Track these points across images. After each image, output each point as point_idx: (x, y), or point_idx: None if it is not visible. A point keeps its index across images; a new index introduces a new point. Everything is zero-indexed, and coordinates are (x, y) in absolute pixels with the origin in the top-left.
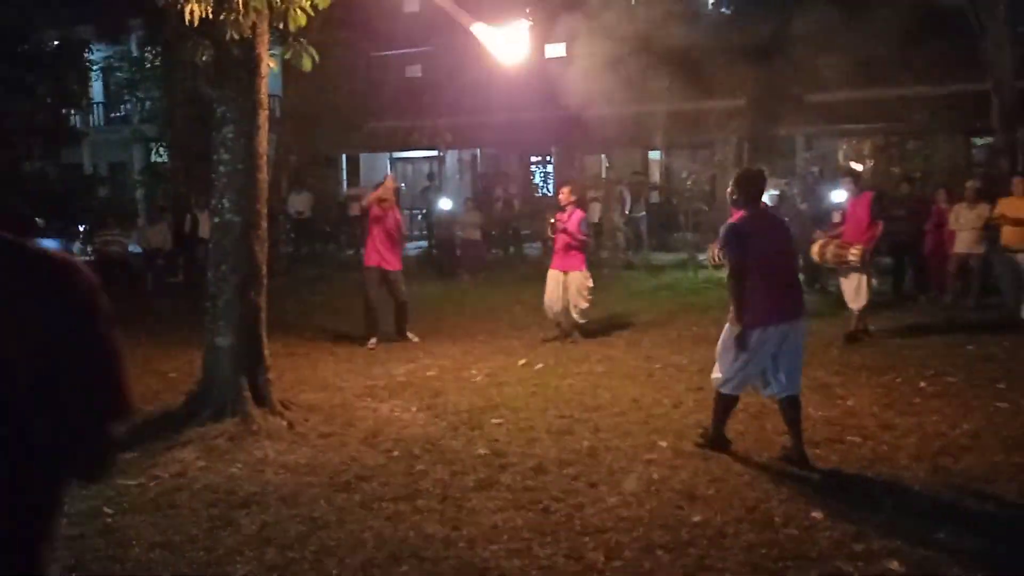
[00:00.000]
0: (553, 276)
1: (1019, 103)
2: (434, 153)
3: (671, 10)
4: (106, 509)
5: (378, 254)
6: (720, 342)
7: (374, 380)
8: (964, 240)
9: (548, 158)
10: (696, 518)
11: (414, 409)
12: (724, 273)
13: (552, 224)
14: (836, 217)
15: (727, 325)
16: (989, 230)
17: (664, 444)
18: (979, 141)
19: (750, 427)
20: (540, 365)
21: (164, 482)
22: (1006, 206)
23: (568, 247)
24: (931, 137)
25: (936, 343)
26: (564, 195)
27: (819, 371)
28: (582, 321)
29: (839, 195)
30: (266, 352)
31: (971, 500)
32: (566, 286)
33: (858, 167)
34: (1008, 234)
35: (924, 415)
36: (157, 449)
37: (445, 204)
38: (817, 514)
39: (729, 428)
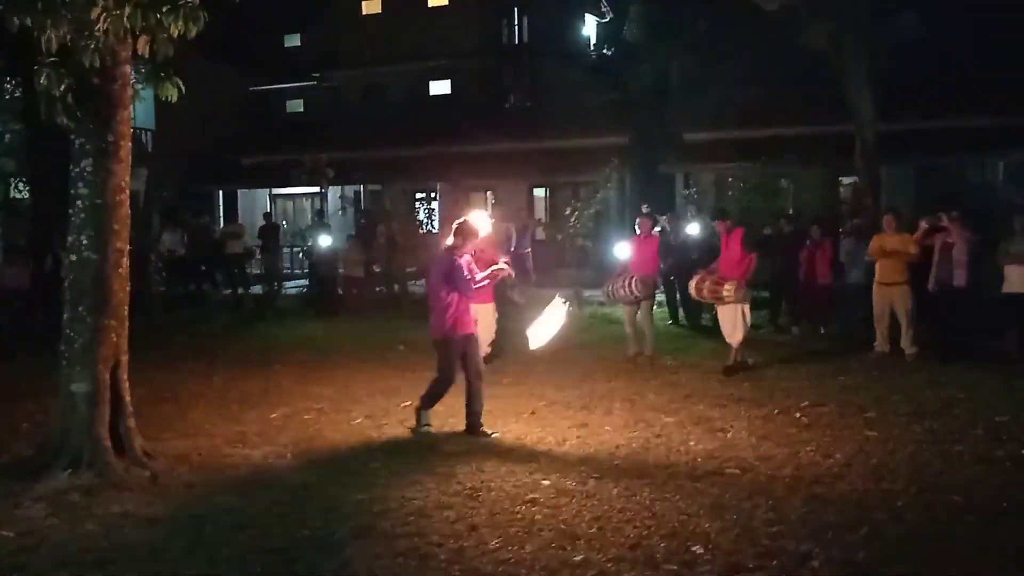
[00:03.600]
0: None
1: (880, 144)
2: (315, 189)
3: (556, 52)
4: None
5: None
6: None
7: (247, 425)
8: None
9: (433, 194)
10: (578, 558)
11: (289, 455)
12: (616, 309)
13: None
14: (695, 254)
15: None
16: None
17: (547, 483)
18: (846, 180)
19: (632, 463)
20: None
21: (9, 542)
22: (879, 240)
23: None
24: (801, 175)
25: (811, 374)
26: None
27: (700, 404)
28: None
29: (693, 229)
30: (128, 398)
31: (845, 529)
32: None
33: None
34: (882, 268)
35: (799, 445)
36: (3, 506)
37: (326, 241)
38: (698, 548)
39: (609, 464)
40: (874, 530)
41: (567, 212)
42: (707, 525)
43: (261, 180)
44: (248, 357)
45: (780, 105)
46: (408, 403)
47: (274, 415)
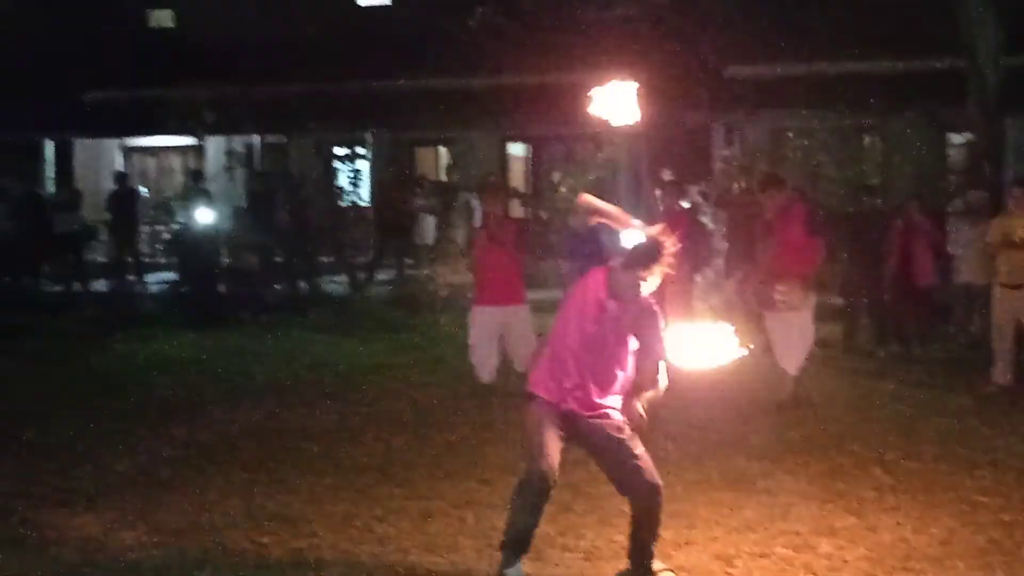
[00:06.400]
0: (486, 315)
1: (1005, 88)
2: (190, 141)
3: None
4: None
5: None
6: None
7: (79, 481)
8: (967, 268)
9: (360, 150)
10: None
11: (141, 525)
12: None
13: None
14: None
15: None
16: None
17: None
18: (957, 138)
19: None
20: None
21: None
22: (1004, 225)
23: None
24: (893, 130)
25: (900, 415)
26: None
27: (738, 456)
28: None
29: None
30: None
31: None
32: (507, 328)
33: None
34: (1007, 265)
35: (879, 515)
36: None
37: (205, 217)
38: None
39: (605, 540)
40: None
41: (556, 178)
42: None
43: (110, 126)
44: (84, 384)
45: (863, 31)
46: (318, 448)
47: (120, 466)
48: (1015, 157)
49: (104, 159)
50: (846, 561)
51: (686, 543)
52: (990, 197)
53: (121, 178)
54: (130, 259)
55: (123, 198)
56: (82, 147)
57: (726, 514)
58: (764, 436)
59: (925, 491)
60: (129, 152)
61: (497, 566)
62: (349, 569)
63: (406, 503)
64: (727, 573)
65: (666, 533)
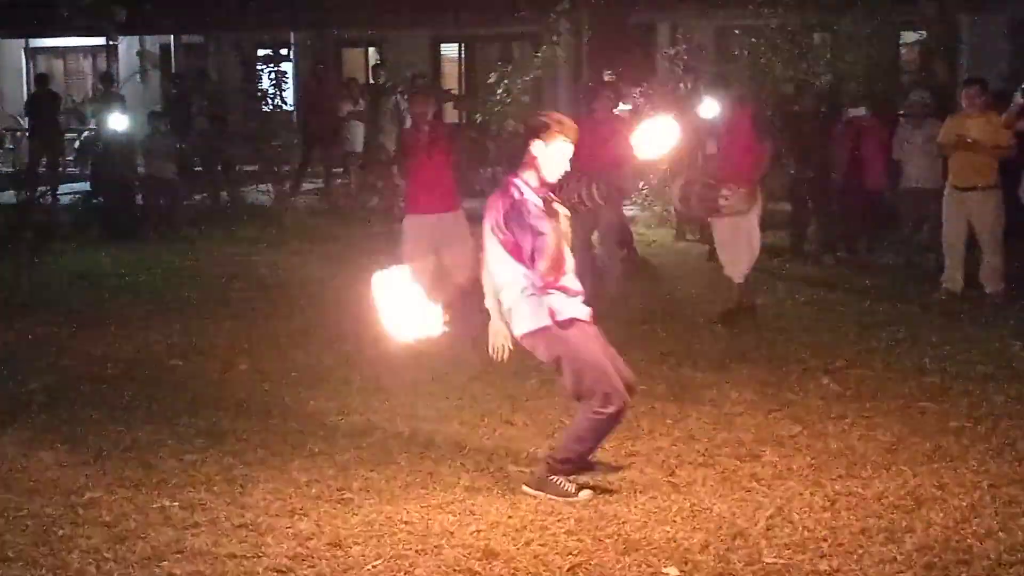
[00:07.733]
0: (420, 224)
1: None
2: (99, 41)
3: None
4: None
5: None
6: None
7: None
8: (914, 172)
9: (284, 51)
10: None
11: (60, 447)
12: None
13: None
14: (710, 147)
15: None
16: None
17: (464, 482)
18: (909, 36)
19: None
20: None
21: None
22: (956, 125)
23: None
24: (843, 28)
25: (848, 322)
26: None
27: (684, 366)
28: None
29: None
30: None
31: (882, 542)
32: (443, 237)
33: None
34: (958, 166)
35: (825, 423)
36: None
37: (118, 123)
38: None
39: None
40: (926, 531)
41: (492, 79)
42: (686, 539)
43: (12, 25)
44: None
45: None
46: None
47: (37, 387)
48: (970, 55)
49: (6, 61)
50: (791, 469)
51: (628, 454)
52: (942, 97)
53: (44, 80)
54: (45, 169)
55: (44, 102)
56: None
57: (670, 425)
58: (709, 345)
59: (872, 399)
60: (34, 53)
61: (558, 488)
62: (282, 485)
63: (338, 419)
64: (670, 483)
65: (608, 444)
